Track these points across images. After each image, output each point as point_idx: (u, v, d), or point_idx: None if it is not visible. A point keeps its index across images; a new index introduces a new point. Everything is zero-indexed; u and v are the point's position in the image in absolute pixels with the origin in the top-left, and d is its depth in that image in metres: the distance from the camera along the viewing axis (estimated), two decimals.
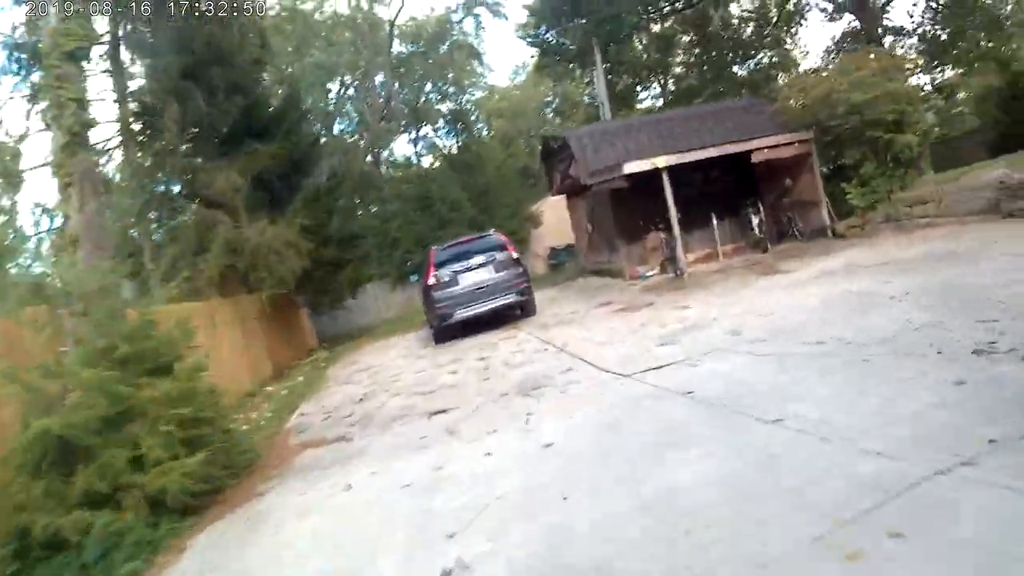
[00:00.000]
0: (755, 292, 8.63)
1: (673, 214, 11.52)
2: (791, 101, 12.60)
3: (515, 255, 11.16)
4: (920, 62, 17.38)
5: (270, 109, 15.85)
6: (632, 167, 11.49)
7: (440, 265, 10.87)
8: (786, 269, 9.78)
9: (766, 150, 11.87)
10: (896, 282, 7.03)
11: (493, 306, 10.53)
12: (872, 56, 11.86)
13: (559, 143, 15.71)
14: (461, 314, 10.45)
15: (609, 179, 12.44)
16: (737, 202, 13.40)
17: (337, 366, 11.79)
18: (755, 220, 12.99)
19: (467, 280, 10.60)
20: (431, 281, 10.78)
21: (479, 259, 10.73)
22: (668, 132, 14.37)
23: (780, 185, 13.11)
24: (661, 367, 5.76)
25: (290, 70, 23.20)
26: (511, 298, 10.75)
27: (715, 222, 12.98)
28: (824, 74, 12.63)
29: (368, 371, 9.90)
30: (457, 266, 10.71)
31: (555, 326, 9.73)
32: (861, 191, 11.41)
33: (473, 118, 30.00)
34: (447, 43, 26.32)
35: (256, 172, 13.69)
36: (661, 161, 11.42)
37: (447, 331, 10.72)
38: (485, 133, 32.01)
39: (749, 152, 11.86)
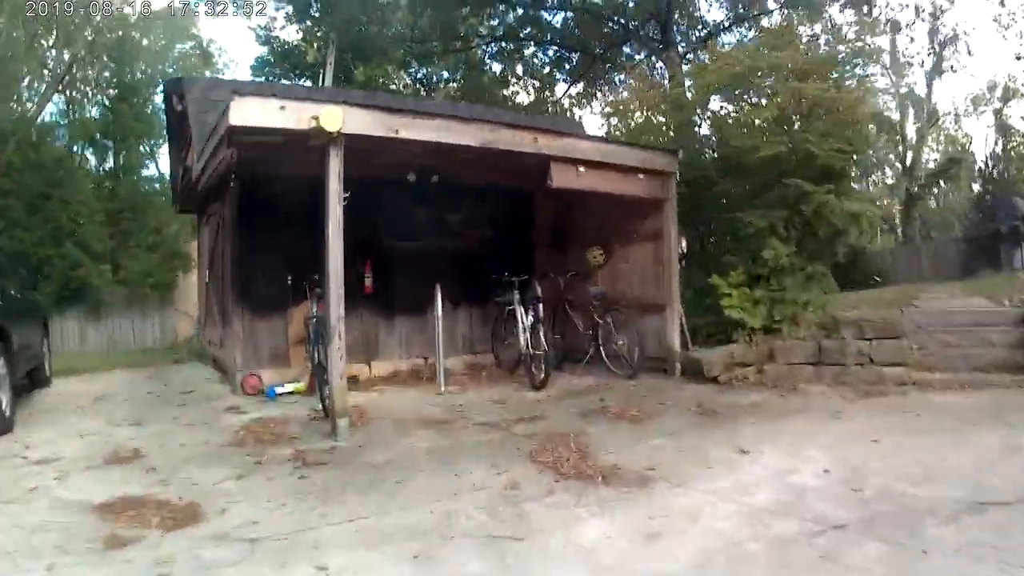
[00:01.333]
0: None
1: (333, 260, 4.10)
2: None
3: None
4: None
5: None
6: (249, 111, 3.97)
7: None
8: (660, 477, 2.93)
9: (582, 168, 5.36)
10: None
11: None
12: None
13: (184, 106, 7.93)
14: None
15: (213, 152, 4.80)
16: (497, 274, 6.57)
17: None
18: (524, 317, 6.13)
19: None
20: None
21: None
22: (397, 107, 7.60)
23: (586, 258, 6.69)
24: None
25: None
26: None
27: (439, 303, 5.94)
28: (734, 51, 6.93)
29: None
30: None
31: None
32: (751, 296, 5.40)
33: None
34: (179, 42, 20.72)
35: None
36: (332, 118, 4.06)
37: None
38: None
39: (545, 165, 5.22)
